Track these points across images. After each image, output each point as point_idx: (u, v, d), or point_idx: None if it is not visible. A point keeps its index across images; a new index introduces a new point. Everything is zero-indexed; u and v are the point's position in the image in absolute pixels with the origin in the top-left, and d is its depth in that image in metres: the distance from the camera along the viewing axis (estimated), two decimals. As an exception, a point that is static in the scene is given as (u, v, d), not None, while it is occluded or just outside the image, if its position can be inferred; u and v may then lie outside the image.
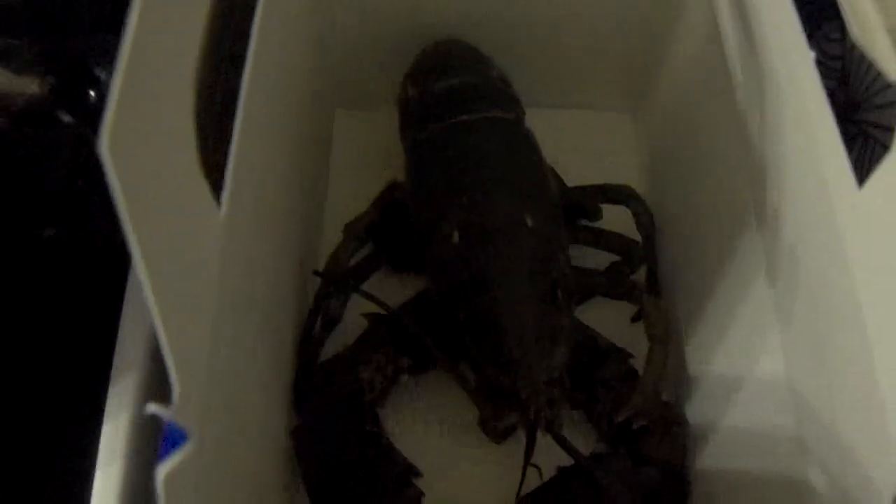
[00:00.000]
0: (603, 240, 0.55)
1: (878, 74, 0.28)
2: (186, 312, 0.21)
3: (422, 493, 0.46)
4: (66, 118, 0.64)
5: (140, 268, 0.18)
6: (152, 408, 0.18)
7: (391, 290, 0.53)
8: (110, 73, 0.66)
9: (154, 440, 0.42)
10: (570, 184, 0.56)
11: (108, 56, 0.66)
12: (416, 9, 0.57)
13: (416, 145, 0.54)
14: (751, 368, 0.41)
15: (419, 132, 0.53)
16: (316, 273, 0.52)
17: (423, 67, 0.57)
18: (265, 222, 0.40)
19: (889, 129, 0.28)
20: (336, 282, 0.52)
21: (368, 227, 0.53)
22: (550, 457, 0.46)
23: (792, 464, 0.36)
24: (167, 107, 0.21)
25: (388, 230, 0.54)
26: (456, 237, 0.48)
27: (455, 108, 0.53)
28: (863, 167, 0.26)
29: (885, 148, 0.25)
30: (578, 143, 0.57)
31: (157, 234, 0.19)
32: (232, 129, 0.31)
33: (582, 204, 0.55)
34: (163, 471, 0.18)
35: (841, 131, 0.28)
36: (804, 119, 0.32)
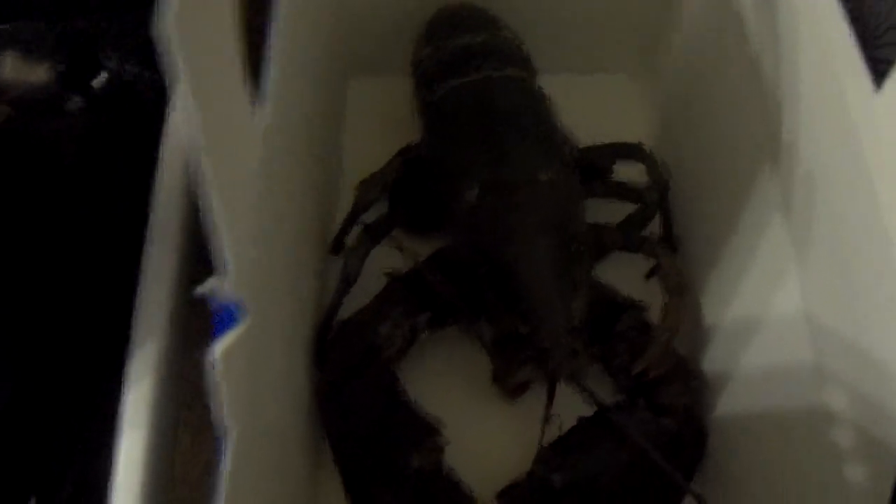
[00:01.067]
0: (617, 190, 0.55)
1: (892, 8, 0.29)
2: (235, 198, 0.21)
3: (445, 442, 0.47)
4: (77, 103, 0.65)
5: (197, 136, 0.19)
6: (210, 284, 0.19)
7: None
8: (118, 59, 0.67)
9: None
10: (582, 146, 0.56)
11: (114, 41, 0.67)
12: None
13: (431, 104, 0.54)
14: (767, 308, 0.42)
15: (434, 91, 0.54)
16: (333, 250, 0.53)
17: (436, 28, 0.57)
18: (290, 170, 0.41)
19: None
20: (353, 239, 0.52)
21: (384, 185, 0.54)
22: (568, 409, 0.47)
23: (811, 396, 0.37)
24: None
25: (404, 191, 0.55)
26: (475, 192, 0.49)
27: (469, 66, 0.53)
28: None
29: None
30: (589, 107, 0.57)
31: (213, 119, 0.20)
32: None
33: (594, 163, 0.55)
34: (220, 346, 0.19)
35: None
36: (819, 37, 0.33)
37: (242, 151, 0.23)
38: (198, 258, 0.53)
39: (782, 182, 0.41)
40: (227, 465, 0.24)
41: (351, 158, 0.61)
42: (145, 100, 0.63)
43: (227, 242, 0.20)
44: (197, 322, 0.51)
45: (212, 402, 0.21)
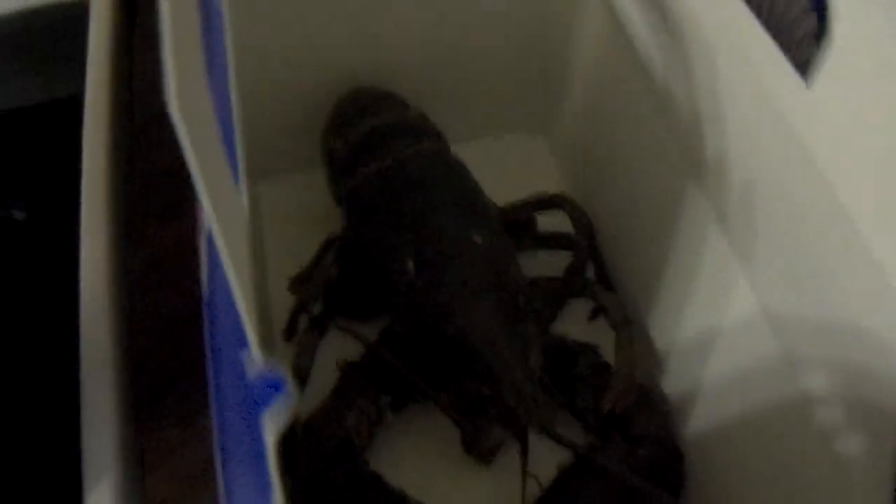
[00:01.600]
0: (545, 241, 0.57)
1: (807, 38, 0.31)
2: (239, 262, 0.21)
3: None
4: None
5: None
6: (253, 354, 0.19)
7: (349, 340, 0.52)
8: (6, 205, 0.65)
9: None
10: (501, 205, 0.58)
11: (5, 186, 0.66)
12: (320, 67, 0.58)
13: (352, 192, 0.54)
14: (722, 316, 0.44)
15: (351, 179, 0.54)
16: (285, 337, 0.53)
17: (341, 116, 0.58)
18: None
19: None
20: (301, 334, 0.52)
21: (324, 279, 0.53)
22: (543, 465, 0.47)
23: (787, 386, 0.38)
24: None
25: (337, 280, 0.54)
26: (411, 268, 0.49)
27: (382, 148, 0.54)
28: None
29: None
30: (499, 168, 0.58)
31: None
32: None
33: (517, 219, 0.57)
34: (272, 428, 0.18)
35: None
36: (737, 50, 0.35)
37: (239, 229, 0.22)
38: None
39: (712, 196, 0.42)
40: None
41: (273, 260, 0.60)
42: (41, 243, 0.62)
43: (248, 318, 0.20)
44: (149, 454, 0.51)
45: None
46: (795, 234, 0.35)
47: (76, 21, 0.68)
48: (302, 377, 0.50)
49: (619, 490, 0.45)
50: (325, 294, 0.54)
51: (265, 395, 0.19)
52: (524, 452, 0.46)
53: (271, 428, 0.18)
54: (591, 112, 0.59)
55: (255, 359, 0.19)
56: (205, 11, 0.25)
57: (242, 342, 0.20)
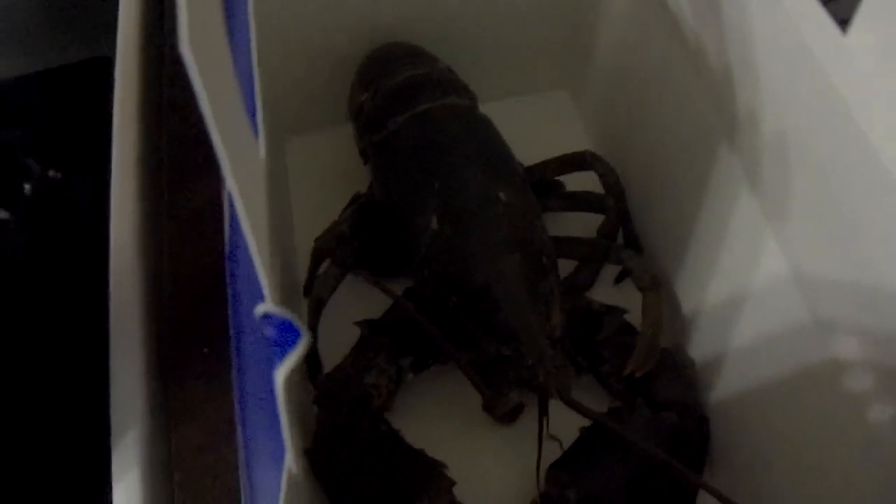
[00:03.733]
0: (573, 201, 0.56)
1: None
2: (255, 211, 0.21)
3: (453, 482, 0.46)
4: (3, 215, 0.64)
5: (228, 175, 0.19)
6: (267, 307, 0.18)
7: (372, 296, 0.51)
8: (40, 167, 0.67)
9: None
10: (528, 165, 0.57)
11: (34, 149, 0.67)
12: (348, 24, 0.58)
13: (379, 145, 0.54)
14: (751, 279, 0.43)
15: (378, 132, 0.54)
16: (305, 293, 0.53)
17: (370, 70, 0.58)
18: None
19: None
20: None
21: (339, 235, 0.53)
22: (564, 428, 0.47)
23: (816, 351, 0.37)
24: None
25: (361, 239, 0.54)
26: (435, 223, 0.49)
27: (410, 100, 0.54)
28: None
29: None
30: (528, 128, 0.58)
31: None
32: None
33: (545, 179, 0.56)
34: (281, 372, 0.18)
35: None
36: (776, 5, 0.35)
37: (257, 180, 0.22)
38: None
39: (744, 155, 0.42)
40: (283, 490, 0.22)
41: (300, 217, 0.60)
42: (75, 202, 0.63)
43: (261, 268, 0.20)
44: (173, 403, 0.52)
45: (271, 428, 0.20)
46: (829, 191, 0.34)
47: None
48: (319, 308, 0.51)
49: (640, 456, 0.45)
50: (340, 247, 0.54)
51: (279, 344, 0.18)
52: (543, 412, 0.47)
53: (283, 377, 0.18)
54: (619, 70, 0.58)
55: (269, 309, 0.19)
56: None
57: (259, 294, 0.20)
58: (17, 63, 0.71)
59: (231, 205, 0.34)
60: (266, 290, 0.20)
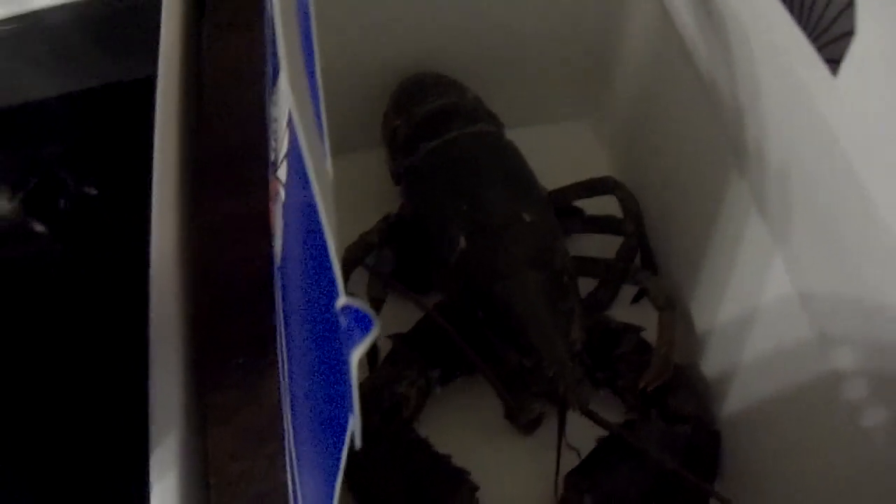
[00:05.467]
0: (594, 224, 0.60)
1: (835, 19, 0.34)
2: (331, 218, 0.25)
3: (477, 487, 0.49)
4: (40, 229, 0.68)
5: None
6: (345, 300, 0.22)
7: (401, 312, 0.56)
8: (75, 181, 0.70)
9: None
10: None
11: (70, 164, 0.71)
12: (383, 54, 0.62)
13: (411, 168, 0.58)
14: (758, 299, 0.46)
15: (411, 155, 0.58)
16: None
17: (403, 97, 0.62)
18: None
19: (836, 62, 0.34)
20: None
21: (366, 245, 0.57)
22: (582, 438, 0.50)
23: (817, 365, 0.40)
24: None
25: (396, 254, 0.58)
26: (463, 242, 0.52)
27: (441, 127, 0.58)
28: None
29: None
30: (551, 156, 0.61)
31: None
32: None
33: (567, 203, 0.60)
34: (356, 353, 0.22)
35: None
36: (771, 42, 0.39)
37: (329, 193, 0.26)
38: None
39: (752, 182, 0.45)
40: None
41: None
42: (110, 217, 0.66)
43: (336, 266, 0.24)
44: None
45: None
46: (824, 218, 0.38)
47: (150, 7, 0.73)
48: (377, 308, 0.55)
49: (654, 465, 0.48)
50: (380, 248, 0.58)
51: (355, 330, 0.22)
52: (562, 422, 0.50)
53: (357, 357, 0.22)
54: (639, 100, 0.62)
55: (349, 301, 0.22)
56: (300, 4, 0.29)
57: (332, 290, 0.24)
58: (64, 81, 0.75)
59: (287, 218, 0.38)
60: (340, 287, 0.23)
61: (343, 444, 0.25)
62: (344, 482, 0.49)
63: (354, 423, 0.23)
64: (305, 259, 0.30)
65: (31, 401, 0.56)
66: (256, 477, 0.52)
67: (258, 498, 0.51)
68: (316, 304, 0.27)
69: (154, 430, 0.50)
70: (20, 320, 0.60)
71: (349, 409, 0.23)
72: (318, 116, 0.28)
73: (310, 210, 0.25)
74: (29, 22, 0.77)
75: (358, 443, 0.24)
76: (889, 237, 0.32)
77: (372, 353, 0.56)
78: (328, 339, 0.25)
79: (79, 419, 0.55)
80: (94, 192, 0.69)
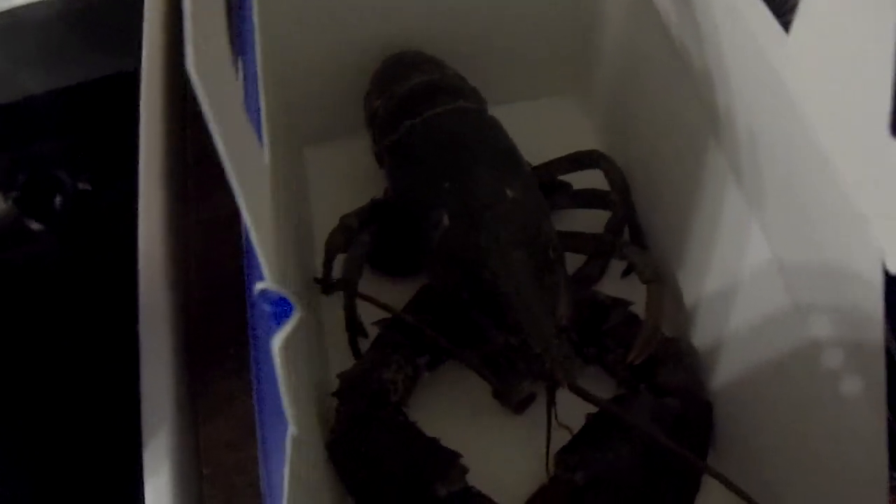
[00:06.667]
0: (581, 199, 0.60)
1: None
2: (258, 207, 0.25)
3: (466, 469, 0.49)
4: (36, 227, 0.69)
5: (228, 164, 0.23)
6: (265, 284, 0.23)
7: (389, 297, 0.56)
8: (70, 178, 0.71)
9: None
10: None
11: (64, 161, 0.72)
12: (360, 36, 0.63)
13: (393, 147, 0.59)
14: (739, 269, 0.47)
15: (392, 135, 0.59)
16: (316, 280, 0.58)
17: (383, 78, 0.63)
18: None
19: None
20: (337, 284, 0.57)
21: (349, 228, 0.58)
22: (573, 415, 0.51)
23: (796, 334, 0.41)
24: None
25: (377, 239, 0.58)
26: (446, 220, 0.53)
27: (422, 105, 0.58)
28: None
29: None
30: (535, 132, 0.61)
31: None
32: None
33: (553, 178, 0.61)
34: (277, 339, 0.22)
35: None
36: (736, 14, 0.39)
37: (260, 181, 0.27)
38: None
39: (727, 151, 0.46)
40: (287, 464, 0.27)
41: (320, 222, 0.65)
42: (103, 213, 0.67)
43: (262, 253, 0.24)
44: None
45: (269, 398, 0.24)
46: (789, 183, 0.38)
47: (133, 1, 0.74)
48: (351, 288, 0.56)
49: (645, 440, 0.49)
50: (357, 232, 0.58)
51: (276, 318, 0.23)
52: (550, 401, 0.50)
53: (279, 344, 0.23)
54: (621, 74, 0.62)
55: (266, 286, 0.23)
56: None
57: (259, 275, 0.25)
58: (48, 78, 0.76)
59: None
60: (265, 270, 0.24)
61: (284, 438, 0.26)
62: (333, 467, 0.50)
63: (288, 418, 0.24)
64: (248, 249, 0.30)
65: (25, 395, 0.58)
66: (250, 467, 0.53)
67: (252, 487, 0.52)
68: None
69: (146, 422, 0.51)
70: (14, 316, 0.62)
71: (281, 405, 0.23)
72: (253, 104, 0.28)
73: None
74: (10, 19, 0.78)
75: (295, 433, 0.25)
76: (845, 199, 0.32)
77: (353, 341, 0.57)
78: (259, 325, 0.25)
79: (73, 413, 0.57)
80: (87, 187, 0.70)
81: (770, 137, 0.39)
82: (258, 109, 0.28)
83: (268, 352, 0.27)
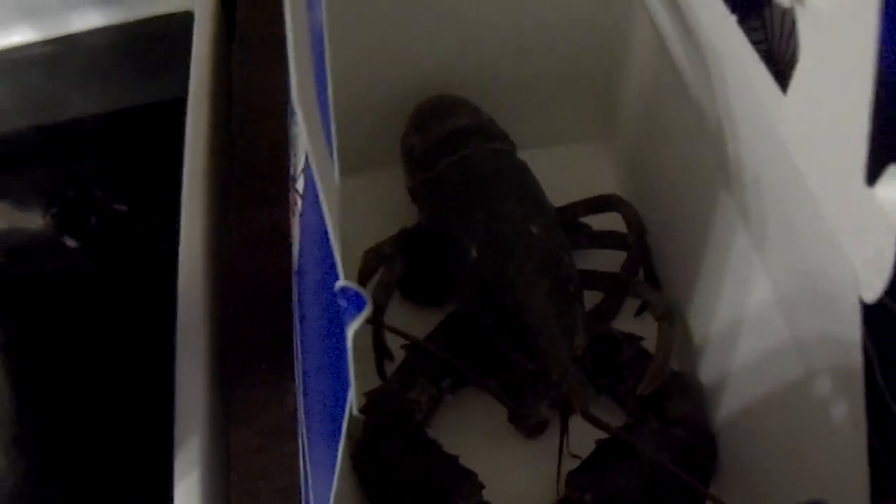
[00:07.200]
0: (599, 239, 0.66)
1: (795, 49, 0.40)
2: (333, 214, 0.31)
3: (482, 485, 0.53)
4: (71, 244, 0.74)
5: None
6: (343, 282, 0.28)
7: (416, 322, 0.61)
8: (106, 198, 0.76)
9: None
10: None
11: (101, 181, 0.77)
12: (400, 78, 0.69)
13: (428, 182, 0.64)
14: (744, 307, 0.51)
15: (428, 171, 0.64)
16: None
17: (422, 118, 0.68)
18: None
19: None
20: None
21: (382, 253, 0.64)
22: (584, 443, 0.55)
23: (793, 370, 0.45)
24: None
25: (407, 269, 0.64)
26: (474, 252, 0.58)
27: (458, 145, 0.64)
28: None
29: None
30: (559, 175, 0.66)
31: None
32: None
33: (574, 219, 0.66)
34: (351, 328, 0.28)
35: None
36: (741, 72, 0.44)
37: (334, 195, 0.32)
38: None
39: (736, 195, 0.50)
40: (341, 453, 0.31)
41: (350, 249, 0.69)
42: (137, 234, 0.72)
43: (338, 254, 0.30)
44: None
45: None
46: (788, 222, 0.43)
47: (181, 30, 0.80)
48: (379, 313, 0.61)
49: (652, 466, 0.53)
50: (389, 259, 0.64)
51: (350, 307, 0.28)
52: (564, 424, 0.55)
53: (352, 332, 0.28)
54: (642, 123, 0.67)
55: (345, 284, 0.28)
56: (314, 30, 0.36)
57: (334, 274, 0.30)
58: (96, 102, 0.81)
59: (304, 227, 0.44)
60: (340, 271, 0.29)
61: (344, 409, 0.31)
62: (356, 479, 0.55)
63: (351, 392, 0.29)
64: (316, 254, 0.36)
65: (64, 402, 0.61)
66: (277, 472, 0.57)
67: (279, 492, 0.57)
68: (323, 291, 0.34)
69: (179, 428, 0.56)
70: (54, 328, 0.66)
71: (347, 379, 0.29)
72: (327, 132, 0.34)
73: (318, 207, 0.31)
74: (66, 44, 0.83)
75: (356, 410, 0.30)
76: (831, 236, 0.36)
77: (379, 364, 0.62)
78: (333, 317, 0.31)
79: (109, 419, 0.61)
80: (123, 208, 0.75)
81: (771, 183, 0.44)
82: (329, 133, 0.34)
83: (322, 348, 0.32)
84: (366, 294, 0.28)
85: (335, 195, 0.31)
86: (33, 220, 0.74)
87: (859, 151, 0.30)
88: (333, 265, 0.29)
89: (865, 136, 0.30)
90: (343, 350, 0.29)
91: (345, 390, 0.30)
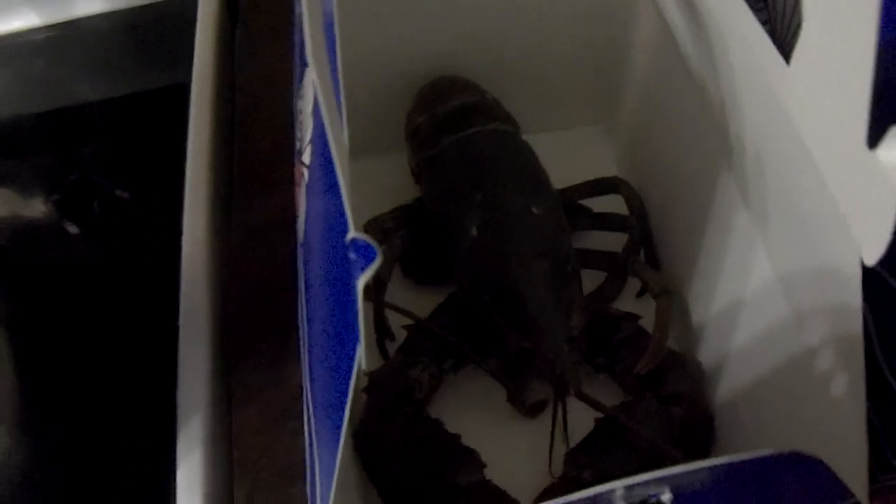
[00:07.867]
0: (600, 221, 0.66)
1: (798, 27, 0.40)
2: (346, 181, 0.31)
3: (484, 464, 0.54)
4: (73, 230, 0.74)
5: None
6: (353, 234, 0.28)
7: (417, 302, 0.61)
8: (108, 185, 0.76)
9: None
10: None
11: (103, 168, 0.77)
12: (405, 61, 0.69)
13: (431, 159, 0.65)
14: (745, 285, 0.52)
15: (432, 149, 0.65)
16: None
17: (427, 97, 0.69)
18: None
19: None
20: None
21: (382, 227, 0.64)
22: (586, 424, 0.56)
23: (792, 343, 0.46)
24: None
25: (408, 248, 0.64)
26: (475, 231, 0.59)
27: (461, 124, 0.64)
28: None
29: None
30: (562, 158, 0.66)
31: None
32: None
33: (576, 201, 0.66)
34: (362, 280, 0.28)
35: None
36: (746, 48, 0.45)
37: (344, 156, 0.33)
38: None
39: (736, 174, 0.51)
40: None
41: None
42: (139, 220, 0.72)
43: (349, 208, 0.30)
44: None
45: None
46: (790, 200, 0.43)
47: (185, 15, 0.80)
48: (381, 288, 0.61)
49: (647, 444, 0.53)
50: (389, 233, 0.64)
51: (360, 259, 0.28)
52: (557, 404, 0.55)
53: (362, 284, 0.28)
54: (644, 105, 0.68)
55: (355, 235, 0.29)
56: (325, 13, 0.36)
57: (344, 227, 0.30)
58: (99, 87, 0.81)
59: (309, 200, 0.44)
60: (351, 223, 0.30)
61: (353, 365, 0.31)
62: (357, 458, 0.55)
63: (360, 347, 0.29)
64: (324, 211, 0.36)
65: (67, 385, 0.62)
66: (279, 451, 0.58)
67: (280, 471, 0.57)
68: (331, 244, 0.34)
69: (182, 410, 0.57)
70: (56, 313, 0.66)
71: (356, 334, 0.29)
72: (338, 104, 0.34)
73: (328, 166, 0.31)
74: (69, 29, 0.83)
75: (364, 365, 0.30)
76: (832, 203, 0.37)
77: (381, 342, 0.63)
78: (341, 273, 0.31)
79: (113, 401, 0.61)
80: (125, 195, 0.75)
81: (773, 156, 0.44)
82: (340, 105, 0.34)
83: (329, 310, 0.32)
84: (376, 245, 0.28)
85: (345, 154, 0.32)
86: (35, 206, 0.75)
87: (861, 114, 0.31)
88: (343, 219, 0.30)
89: (868, 98, 0.30)
90: (352, 302, 0.29)
91: (354, 345, 0.30)
